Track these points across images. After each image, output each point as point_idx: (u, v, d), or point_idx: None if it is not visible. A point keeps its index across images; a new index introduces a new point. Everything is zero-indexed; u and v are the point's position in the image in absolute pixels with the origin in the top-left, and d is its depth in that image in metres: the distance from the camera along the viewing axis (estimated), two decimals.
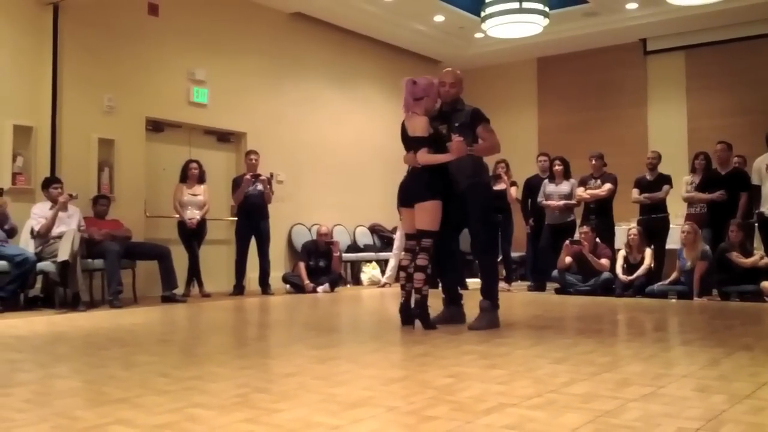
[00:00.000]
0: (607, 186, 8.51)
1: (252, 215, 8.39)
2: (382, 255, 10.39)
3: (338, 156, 10.51)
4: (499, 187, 8.94)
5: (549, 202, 8.73)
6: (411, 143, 4.96)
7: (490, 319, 4.96)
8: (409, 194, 5.03)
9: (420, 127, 4.91)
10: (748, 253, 7.51)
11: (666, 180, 8.48)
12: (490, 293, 5.05)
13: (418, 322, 4.92)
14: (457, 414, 2.44)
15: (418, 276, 4.85)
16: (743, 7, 9.70)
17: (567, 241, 8.32)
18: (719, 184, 8.05)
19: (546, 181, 8.90)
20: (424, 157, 4.87)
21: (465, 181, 4.96)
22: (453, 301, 5.28)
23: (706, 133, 10.00)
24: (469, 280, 9.44)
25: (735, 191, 7.90)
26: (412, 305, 4.96)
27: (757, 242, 7.81)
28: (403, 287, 5.08)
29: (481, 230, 5.08)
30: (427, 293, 4.90)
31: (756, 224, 7.77)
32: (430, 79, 5.08)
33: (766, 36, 10.32)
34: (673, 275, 7.84)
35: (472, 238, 5.12)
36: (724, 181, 8.05)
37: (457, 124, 5.01)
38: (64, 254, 6.41)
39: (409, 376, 3.22)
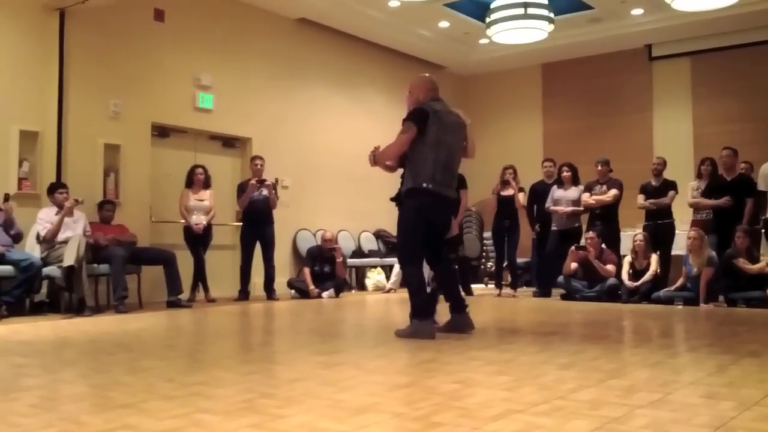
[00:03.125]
0: (613, 192, 8.49)
1: (257, 221, 8.39)
2: (387, 260, 10.39)
3: (343, 161, 10.51)
4: (507, 193, 8.95)
5: (557, 208, 8.72)
6: None
7: (413, 329, 4.67)
8: None
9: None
10: (754, 260, 7.48)
11: (671, 186, 8.46)
12: (412, 306, 4.75)
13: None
14: (464, 420, 2.43)
15: None
16: (749, 13, 9.69)
17: (573, 247, 8.31)
18: (725, 190, 8.03)
19: (555, 186, 8.89)
20: None
21: (402, 189, 4.89)
22: (456, 308, 5.17)
23: (711, 139, 9.97)
24: (474, 286, 9.45)
25: (741, 197, 7.88)
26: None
27: (764, 248, 7.80)
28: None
29: (400, 240, 4.96)
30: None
31: (762, 230, 7.75)
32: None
33: None
34: (680, 281, 7.80)
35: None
36: (729, 187, 8.03)
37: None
38: (69, 259, 6.41)
39: (415, 382, 3.21)
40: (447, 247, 5.23)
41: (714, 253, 7.60)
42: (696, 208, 8.34)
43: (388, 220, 10.60)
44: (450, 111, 4.93)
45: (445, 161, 4.73)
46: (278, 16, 9.80)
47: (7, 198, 6.84)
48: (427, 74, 5.28)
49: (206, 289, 8.11)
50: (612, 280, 8.07)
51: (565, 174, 8.82)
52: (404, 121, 4.79)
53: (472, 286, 9.47)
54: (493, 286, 9.62)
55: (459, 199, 4.95)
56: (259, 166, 8.52)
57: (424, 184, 4.66)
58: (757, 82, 10.44)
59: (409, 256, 4.84)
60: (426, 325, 4.68)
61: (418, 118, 4.72)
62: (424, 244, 4.83)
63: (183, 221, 8.09)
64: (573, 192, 8.73)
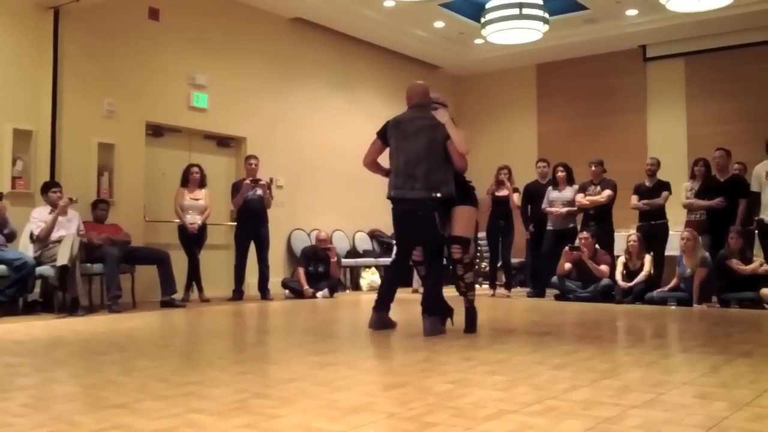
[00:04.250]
0: (607, 192, 8.50)
1: (251, 220, 8.38)
2: (382, 260, 10.38)
3: (338, 161, 10.50)
4: (502, 193, 8.96)
5: (551, 209, 8.73)
6: None
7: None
8: None
9: None
10: (747, 260, 7.51)
11: (665, 186, 8.48)
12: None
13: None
14: (457, 420, 2.43)
15: None
16: (743, 14, 9.72)
17: (566, 248, 8.32)
18: (718, 190, 8.05)
19: (550, 188, 8.90)
20: None
21: None
22: (426, 311, 4.99)
23: (705, 140, 10.01)
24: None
25: (734, 198, 7.90)
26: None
27: (757, 249, 7.81)
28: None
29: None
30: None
31: (755, 231, 7.78)
32: None
33: (765, 43, 10.35)
34: (673, 282, 7.83)
35: None
36: (723, 188, 8.05)
37: None
38: (63, 258, 6.40)
39: (409, 382, 3.21)
40: (447, 246, 5.20)
41: (707, 254, 7.63)
42: (689, 208, 8.36)
43: (383, 220, 10.58)
44: (420, 116, 5.06)
45: (404, 167, 5.00)
46: (273, 16, 9.79)
47: (0, 197, 6.81)
48: (418, 81, 5.37)
49: (200, 289, 8.10)
50: (606, 281, 8.09)
51: (559, 174, 8.84)
52: None
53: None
54: (487, 286, 9.62)
55: (433, 197, 4.90)
56: (253, 166, 8.51)
57: (389, 193, 5.07)
58: (751, 82, 10.47)
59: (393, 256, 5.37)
60: (379, 315, 5.10)
61: (379, 131, 5.20)
62: (403, 245, 5.23)
63: (177, 221, 8.07)
64: (568, 192, 8.74)
